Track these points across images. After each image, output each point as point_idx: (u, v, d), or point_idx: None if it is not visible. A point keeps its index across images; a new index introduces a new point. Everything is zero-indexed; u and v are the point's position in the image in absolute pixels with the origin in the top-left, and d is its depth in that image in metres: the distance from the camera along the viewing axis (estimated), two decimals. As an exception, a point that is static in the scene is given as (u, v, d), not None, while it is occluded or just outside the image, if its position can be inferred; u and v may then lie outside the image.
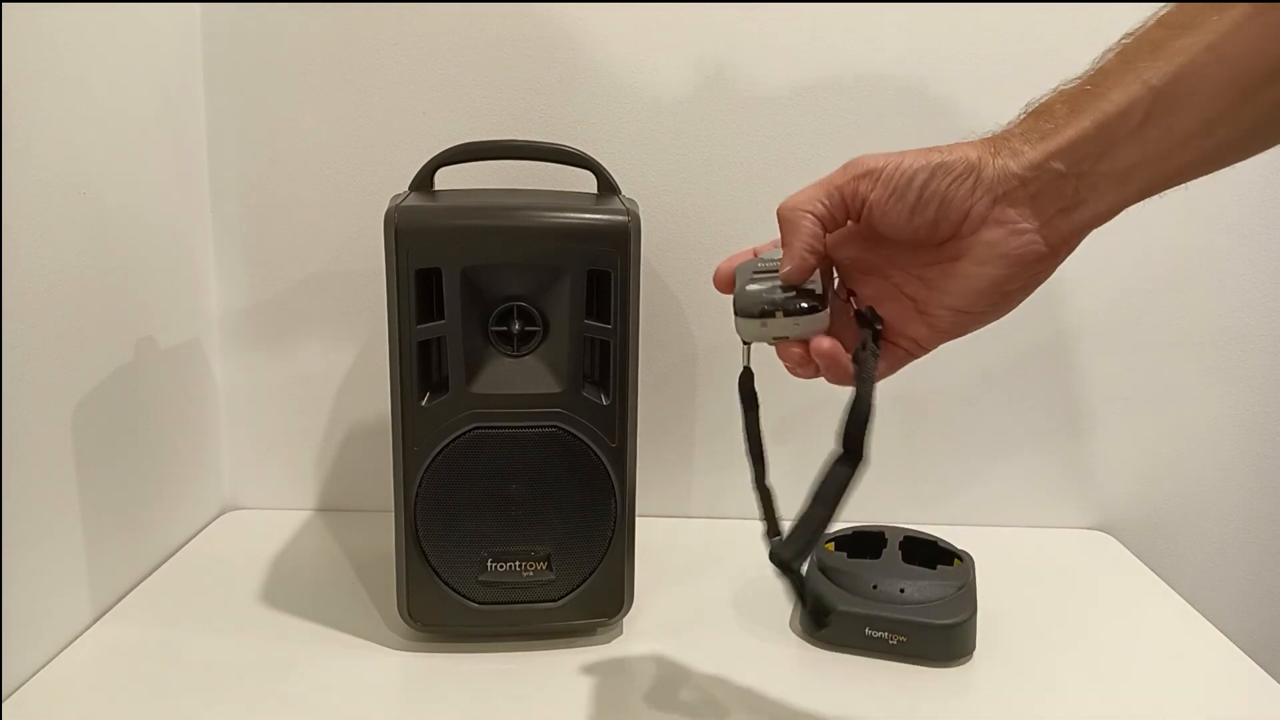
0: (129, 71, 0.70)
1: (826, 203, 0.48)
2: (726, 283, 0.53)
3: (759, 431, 0.54)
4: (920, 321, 0.50)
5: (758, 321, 0.50)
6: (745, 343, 0.52)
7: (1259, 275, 0.85)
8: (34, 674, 0.60)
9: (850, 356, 0.49)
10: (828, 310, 0.49)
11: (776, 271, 0.50)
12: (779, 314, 0.49)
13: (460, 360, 0.60)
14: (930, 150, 0.46)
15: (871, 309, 0.50)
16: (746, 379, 0.54)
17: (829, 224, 0.49)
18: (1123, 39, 0.44)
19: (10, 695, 0.57)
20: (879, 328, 0.50)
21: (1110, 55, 0.44)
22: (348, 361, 0.86)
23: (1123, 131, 0.42)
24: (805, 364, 0.50)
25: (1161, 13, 0.43)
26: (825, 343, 0.49)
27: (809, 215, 0.48)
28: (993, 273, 0.47)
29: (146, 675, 0.61)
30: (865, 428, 0.49)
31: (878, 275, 0.50)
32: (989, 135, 0.47)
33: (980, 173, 0.45)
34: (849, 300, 0.52)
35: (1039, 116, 0.45)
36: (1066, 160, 0.44)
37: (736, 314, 0.50)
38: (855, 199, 0.48)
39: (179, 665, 0.62)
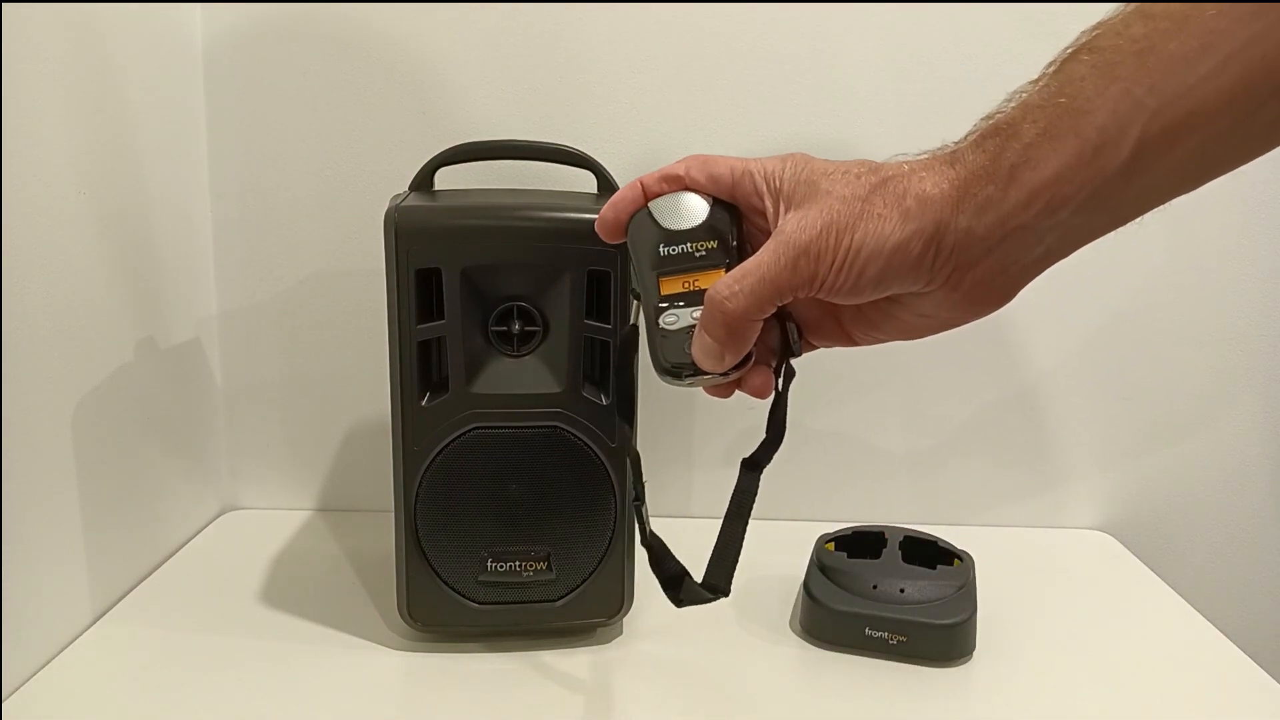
0: (129, 71, 0.70)
1: (775, 305, 0.43)
2: (616, 233, 0.49)
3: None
4: (841, 337, 0.48)
5: (684, 382, 0.46)
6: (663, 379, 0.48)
7: (1261, 276, 0.85)
8: (34, 674, 0.60)
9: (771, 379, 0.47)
10: (754, 354, 0.46)
11: (689, 259, 0.46)
12: (703, 374, 0.46)
13: (460, 360, 0.60)
14: (885, 204, 0.39)
15: (789, 332, 0.47)
16: (632, 335, 0.53)
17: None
18: (1094, 31, 0.36)
19: (10, 695, 0.57)
20: (795, 349, 0.47)
21: (1081, 54, 0.36)
22: (348, 361, 0.86)
23: (1111, 165, 0.35)
24: (728, 393, 0.48)
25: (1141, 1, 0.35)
26: (758, 379, 0.46)
27: (758, 324, 0.44)
28: (934, 324, 0.44)
29: (146, 675, 0.61)
30: (775, 451, 0.48)
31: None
32: (946, 156, 0.40)
33: (940, 243, 0.39)
34: None
35: (1004, 139, 0.38)
36: (1040, 205, 0.37)
37: (657, 368, 0.47)
38: (803, 289, 0.42)
39: (179, 665, 0.62)
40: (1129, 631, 0.71)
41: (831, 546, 0.72)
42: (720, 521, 0.50)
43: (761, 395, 0.47)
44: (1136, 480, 0.90)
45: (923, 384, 0.87)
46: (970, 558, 0.71)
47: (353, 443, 0.88)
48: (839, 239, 0.40)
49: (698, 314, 0.45)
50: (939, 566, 0.68)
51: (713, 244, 0.47)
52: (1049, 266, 0.41)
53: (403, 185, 0.68)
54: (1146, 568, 0.82)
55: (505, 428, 0.61)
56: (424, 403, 0.61)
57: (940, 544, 0.71)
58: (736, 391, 0.48)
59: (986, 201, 0.38)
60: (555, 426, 0.61)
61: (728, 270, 0.46)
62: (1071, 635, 0.69)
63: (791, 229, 0.42)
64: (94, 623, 0.66)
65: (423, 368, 0.61)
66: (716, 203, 0.47)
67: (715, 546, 0.49)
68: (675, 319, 0.46)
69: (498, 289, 0.61)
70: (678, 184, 0.48)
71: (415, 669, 0.63)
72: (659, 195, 0.48)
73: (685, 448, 0.88)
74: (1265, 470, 0.89)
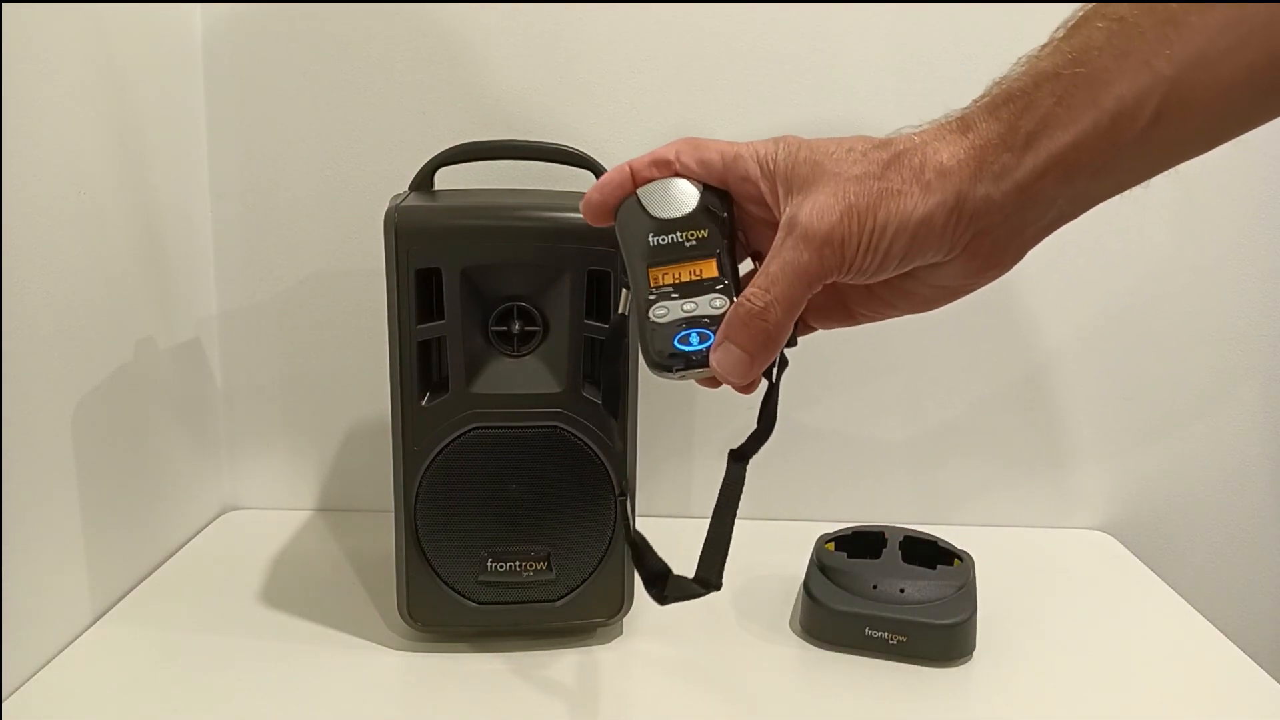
0: (129, 72, 0.70)
1: (806, 301, 0.41)
2: (601, 216, 0.47)
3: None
4: (846, 318, 0.47)
5: (675, 374, 0.45)
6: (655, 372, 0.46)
7: (1260, 276, 0.85)
8: (34, 674, 0.60)
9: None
10: None
11: (679, 249, 0.44)
12: (695, 368, 0.45)
13: (460, 360, 0.60)
14: (903, 179, 0.39)
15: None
16: (621, 325, 0.52)
17: None
18: None
19: (10, 695, 0.57)
20: (792, 339, 0.45)
21: (1095, 20, 0.36)
22: (348, 361, 0.86)
23: (1128, 135, 0.35)
24: (719, 384, 0.46)
25: None
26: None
27: (790, 328, 0.42)
28: (947, 294, 0.44)
29: (146, 675, 0.61)
30: (764, 443, 0.47)
31: None
32: (955, 123, 0.39)
33: (961, 212, 0.38)
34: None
35: (1020, 107, 0.37)
36: (1057, 173, 0.37)
37: (647, 361, 0.46)
38: (831, 276, 0.41)
39: (179, 665, 0.62)
40: (1129, 631, 0.71)
41: (831, 546, 0.72)
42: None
43: (750, 390, 0.46)
44: (1136, 480, 0.90)
45: (922, 384, 0.87)
46: (970, 558, 0.71)
47: (353, 443, 0.88)
48: (862, 221, 0.39)
49: (689, 306, 0.44)
50: (939, 566, 0.68)
51: (703, 233, 0.45)
52: (1060, 227, 0.40)
53: (403, 185, 0.68)
54: (1146, 568, 0.82)
55: (505, 428, 0.61)
56: (424, 403, 0.61)
57: (940, 544, 0.71)
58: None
59: (1003, 169, 0.37)
60: (555, 426, 0.61)
61: (718, 260, 0.45)
62: (1071, 635, 0.69)
63: (807, 218, 0.40)
64: (94, 623, 0.66)
65: (423, 368, 0.61)
66: (707, 189, 0.46)
67: (705, 540, 0.49)
68: (666, 311, 0.45)
69: (498, 289, 0.61)
70: (667, 169, 0.47)
71: (415, 669, 0.63)
72: (648, 181, 0.47)
73: (685, 448, 0.88)
74: (1265, 470, 0.89)
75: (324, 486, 0.89)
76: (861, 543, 0.72)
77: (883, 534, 0.72)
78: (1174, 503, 0.90)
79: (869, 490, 0.89)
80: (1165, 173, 0.38)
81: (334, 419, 0.88)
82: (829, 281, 0.42)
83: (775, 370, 0.46)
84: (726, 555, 0.48)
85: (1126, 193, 0.39)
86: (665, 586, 0.51)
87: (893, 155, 0.40)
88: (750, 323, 0.42)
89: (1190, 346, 0.87)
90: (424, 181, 0.68)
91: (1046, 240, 0.41)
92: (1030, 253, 0.42)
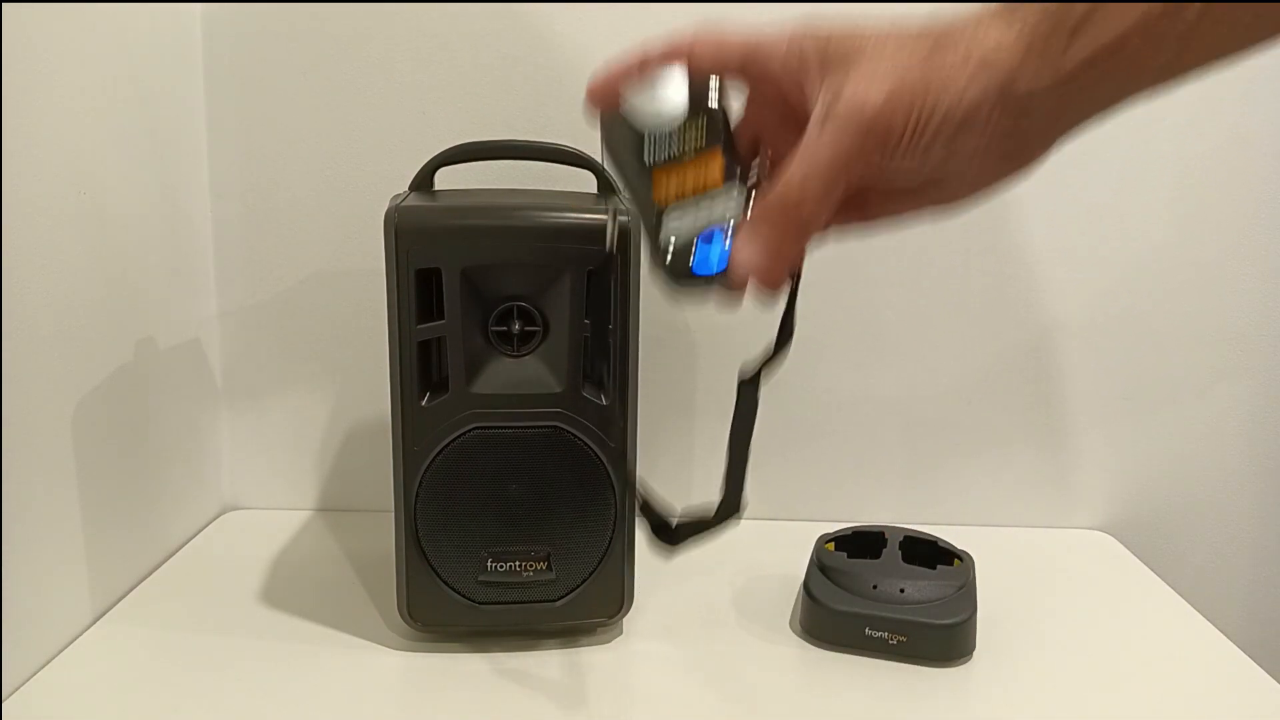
0: (129, 71, 0.70)
1: (841, 192, 0.39)
2: (606, 100, 0.43)
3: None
4: (860, 217, 0.45)
5: (698, 289, 0.41)
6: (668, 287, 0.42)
7: (1260, 275, 0.85)
8: (34, 674, 0.60)
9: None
10: None
11: (680, 155, 0.41)
12: (721, 274, 0.41)
13: (460, 360, 0.60)
14: (950, 65, 0.37)
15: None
16: (607, 262, 0.51)
17: None
18: None
19: (10, 695, 0.57)
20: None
21: None
22: (348, 361, 0.86)
23: (1175, 30, 0.35)
24: (740, 300, 0.43)
25: None
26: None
27: (823, 220, 0.40)
28: (968, 195, 0.42)
29: (146, 675, 0.61)
30: (780, 361, 0.45)
31: None
32: (998, 10, 0.38)
33: (1005, 101, 0.37)
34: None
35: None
36: (1100, 68, 0.36)
37: (665, 279, 0.41)
38: (872, 162, 0.38)
39: (179, 665, 0.62)
40: (1129, 631, 0.71)
41: (831, 546, 0.72)
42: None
43: (776, 287, 0.42)
44: (1136, 480, 0.90)
45: (923, 383, 0.87)
46: (970, 558, 0.71)
47: (353, 443, 0.88)
48: (909, 105, 0.37)
49: (702, 213, 0.42)
50: (939, 566, 0.68)
51: (701, 133, 0.42)
52: (1088, 126, 0.39)
53: (403, 185, 0.68)
54: (1146, 568, 0.82)
55: (505, 428, 0.61)
56: (424, 403, 0.61)
57: (940, 544, 0.71)
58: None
59: (1047, 61, 0.36)
60: (555, 426, 0.61)
61: (724, 150, 0.42)
62: (1071, 635, 0.69)
63: (850, 98, 0.38)
64: (94, 623, 0.66)
65: (423, 368, 0.61)
66: (693, 81, 0.43)
67: (725, 470, 0.48)
68: (678, 223, 0.42)
69: (498, 289, 0.61)
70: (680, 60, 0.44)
71: (415, 669, 0.63)
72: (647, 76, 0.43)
73: (685, 448, 0.88)
74: (1266, 470, 0.89)
75: (324, 486, 0.89)
76: (861, 543, 0.71)
77: (883, 534, 0.72)
78: (1174, 503, 0.90)
79: (869, 490, 0.89)
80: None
81: (334, 419, 0.88)
82: (867, 170, 0.39)
83: (795, 278, 0.44)
84: (744, 482, 0.48)
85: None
86: (675, 534, 0.50)
87: (936, 41, 0.38)
88: (785, 211, 0.40)
89: (1190, 346, 0.87)
90: (424, 181, 0.68)
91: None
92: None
